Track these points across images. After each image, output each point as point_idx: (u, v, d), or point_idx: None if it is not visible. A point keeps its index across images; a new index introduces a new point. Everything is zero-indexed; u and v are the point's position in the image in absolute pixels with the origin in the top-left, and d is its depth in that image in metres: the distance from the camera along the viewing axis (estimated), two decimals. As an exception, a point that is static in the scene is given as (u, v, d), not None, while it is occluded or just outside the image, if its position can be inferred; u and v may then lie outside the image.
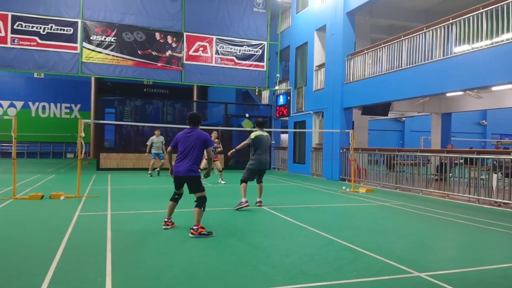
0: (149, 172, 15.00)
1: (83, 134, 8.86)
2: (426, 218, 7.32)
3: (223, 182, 13.13)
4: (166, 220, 5.95)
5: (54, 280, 3.63)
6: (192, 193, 5.71)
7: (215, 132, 13.70)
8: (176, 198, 5.97)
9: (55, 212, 7.25)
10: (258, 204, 8.15)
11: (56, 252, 4.52)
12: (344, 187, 11.64)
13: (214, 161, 13.20)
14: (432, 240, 5.73)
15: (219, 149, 13.43)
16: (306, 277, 3.88)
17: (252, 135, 8.08)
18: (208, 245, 5.05)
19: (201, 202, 5.59)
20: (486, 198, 9.20)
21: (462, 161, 10.39)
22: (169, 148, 6.02)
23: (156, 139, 14.82)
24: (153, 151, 14.75)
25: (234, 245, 5.08)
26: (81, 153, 9.05)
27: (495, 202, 8.96)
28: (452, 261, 4.69)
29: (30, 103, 33.42)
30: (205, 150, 5.79)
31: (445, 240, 5.82)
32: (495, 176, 9.35)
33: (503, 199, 8.78)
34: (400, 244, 5.37)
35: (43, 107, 33.98)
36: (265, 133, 8.28)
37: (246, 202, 7.69)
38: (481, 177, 9.55)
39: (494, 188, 9.24)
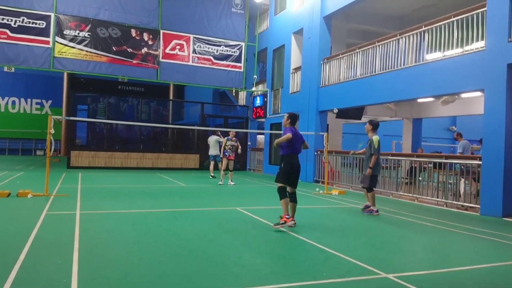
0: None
1: (52, 131, 8.63)
2: (396, 220, 7.47)
3: (232, 183, 12.83)
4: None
5: (17, 280, 3.51)
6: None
7: (232, 131, 13.16)
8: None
9: (22, 210, 7.03)
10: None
11: (21, 251, 4.38)
12: (317, 189, 11.75)
13: (230, 159, 12.94)
14: (401, 242, 5.85)
15: (237, 148, 13.01)
16: (276, 277, 3.89)
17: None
18: (179, 245, 5.00)
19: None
20: (453, 202, 9.47)
21: (431, 165, 10.67)
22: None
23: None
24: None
25: (205, 245, 5.05)
26: (50, 150, 8.81)
27: (462, 205, 9.24)
28: (419, 263, 4.80)
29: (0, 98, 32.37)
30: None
31: (414, 242, 5.95)
32: (462, 180, 9.65)
33: (470, 203, 9.06)
34: (370, 245, 5.46)
35: (13, 102, 32.97)
36: None
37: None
38: (449, 181, 9.84)
39: (461, 192, 9.54)
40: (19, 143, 32.57)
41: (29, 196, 8.41)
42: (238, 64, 18.50)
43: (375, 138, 7.89)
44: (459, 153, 11.08)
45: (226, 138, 13.11)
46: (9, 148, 32.23)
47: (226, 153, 12.87)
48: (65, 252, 4.43)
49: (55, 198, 8.44)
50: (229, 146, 12.81)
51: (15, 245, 4.61)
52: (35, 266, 3.94)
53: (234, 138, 12.94)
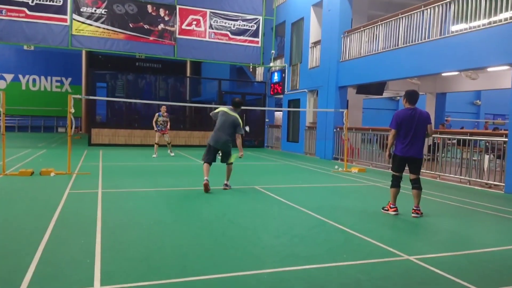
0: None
1: (73, 110, 8.70)
2: (417, 199, 7.34)
3: (172, 154, 14.03)
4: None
5: (42, 260, 3.59)
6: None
7: (164, 106, 13.86)
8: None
9: (45, 189, 7.18)
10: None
11: (45, 231, 4.47)
12: (336, 167, 11.65)
13: (164, 133, 13.68)
14: (422, 222, 5.75)
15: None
16: (296, 259, 3.87)
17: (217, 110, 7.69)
18: (199, 225, 5.03)
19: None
20: (477, 180, 9.24)
21: (454, 141, 10.40)
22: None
23: None
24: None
25: (225, 226, 5.06)
26: (71, 129, 8.91)
27: (486, 183, 9.02)
28: (441, 244, 4.71)
29: (21, 76, 32.83)
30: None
31: (436, 222, 5.84)
32: (487, 157, 9.39)
33: (494, 181, 8.83)
34: (391, 226, 5.39)
35: (34, 80, 33.39)
36: (232, 113, 7.51)
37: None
38: (473, 158, 9.59)
39: (485, 170, 9.30)
40: (41, 121, 33.17)
41: (52, 174, 8.58)
42: (256, 39, 18.20)
43: None
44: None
45: (157, 113, 13.73)
46: (31, 126, 32.89)
47: (159, 128, 13.56)
48: (88, 232, 4.51)
49: (77, 176, 8.59)
50: (161, 121, 13.55)
51: (40, 225, 4.71)
52: (59, 246, 4.02)
53: (165, 114, 13.65)
